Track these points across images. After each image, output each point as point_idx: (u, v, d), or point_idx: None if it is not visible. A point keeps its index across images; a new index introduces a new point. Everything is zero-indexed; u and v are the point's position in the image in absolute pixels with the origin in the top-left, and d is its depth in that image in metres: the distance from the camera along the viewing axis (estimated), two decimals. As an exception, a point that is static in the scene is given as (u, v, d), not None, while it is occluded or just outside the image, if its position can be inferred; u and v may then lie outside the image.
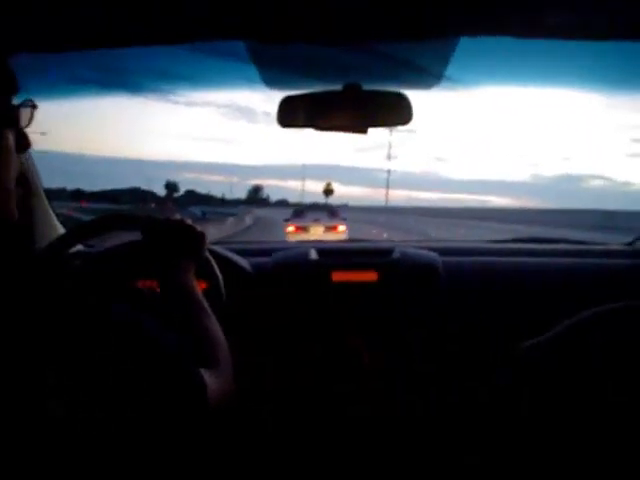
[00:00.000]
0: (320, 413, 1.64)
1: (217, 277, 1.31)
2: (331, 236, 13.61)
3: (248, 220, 33.32)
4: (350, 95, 1.43)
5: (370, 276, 1.67)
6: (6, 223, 1.38)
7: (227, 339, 1.00)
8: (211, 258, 1.33)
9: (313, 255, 1.76)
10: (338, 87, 1.45)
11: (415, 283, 1.67)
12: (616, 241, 2.06)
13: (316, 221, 14.90)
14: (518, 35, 1.32)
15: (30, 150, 1.60)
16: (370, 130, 1.46)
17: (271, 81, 1.51)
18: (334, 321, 1.67)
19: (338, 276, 1.68)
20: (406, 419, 1.63)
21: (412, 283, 1.67)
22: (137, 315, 0.77)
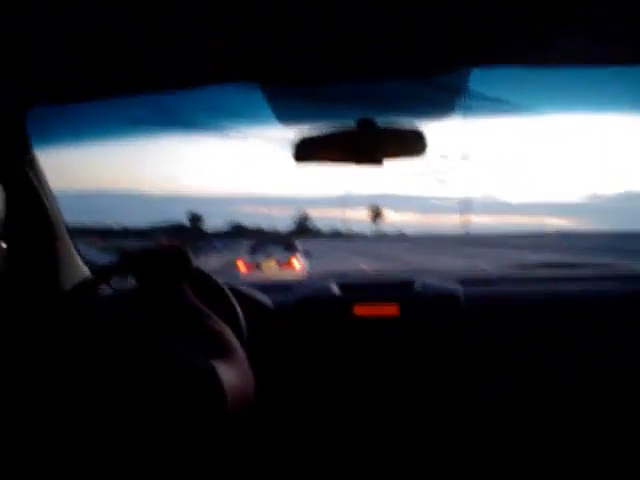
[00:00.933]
0: (340, 447, 1.61)
1: (237, 314, 1.32)
2: (285, 273, 11.66)
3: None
4: (364, 131, 1.44)
5: (392, 310, 1.66)
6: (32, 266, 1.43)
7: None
8: (231, 296, 1.34)
9: (335, 290, 1.76)
10: (352, 122, 1.46)
11: (437, 316, 1.65)
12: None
13: (268, 257, 13.04)
14: (532, 64, 1.33)
15: (53, 192, 1.67)
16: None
17: (285, 118, 1.53)
18: (357, 355, 1.66)
19: (360, 310, 1.67)
20: (428, 449, 1.59)
21: (434, 316, 1.65)
22: (150, 328, 0.86)
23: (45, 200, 1.59)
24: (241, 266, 12.64)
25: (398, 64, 1.32)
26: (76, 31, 1.09)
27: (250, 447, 1.53)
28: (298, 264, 12.64)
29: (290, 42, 1.20)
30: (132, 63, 1.26)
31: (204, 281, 1.34)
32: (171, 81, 1.36)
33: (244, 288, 1.65)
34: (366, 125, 1.45)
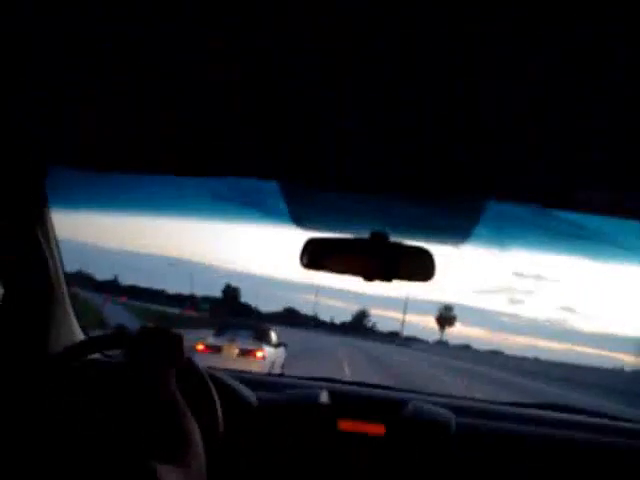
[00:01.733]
0: None
1: (216, 410, 1.28)
2: (245, 363, 10.55)
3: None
4: (376, 244, 1.44)
5: (377, 429, 1.59)
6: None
7: (220, 469, 1.00)
8: (214, 390, 1.31)
9: (324, 398, 1.70)
10: (365, 233, 1.46)
11: (424, 444, 1.58)
12: None
13: (231, 341, 11.66)
14: (549, 206, 1.33)
15: (59, 254, 1.67)
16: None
17: (299, 220, 1.53)
18: (336, 471, 1.58)
19: (345, 425, 1.60)
20: None
21: (421, 444, 1.58)
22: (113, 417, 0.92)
23: (49, 260, 1.59)
24: (199, 346, 11.61)
25: (417, 187, 1.32)
26: (108, 106, 1.12)
27: None
28: (261, 356, 11.50)
29: (317, 147, 1.22)
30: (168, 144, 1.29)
31: (191, 370, 1.31)
32: (193, 167, 1.38)
33: (230, 380, 1.61)
34: (379, 239, 1.45)
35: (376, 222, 1.52)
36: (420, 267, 1.43)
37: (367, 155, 1.22)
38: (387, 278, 1.44)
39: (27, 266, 1.56)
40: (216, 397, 1.29)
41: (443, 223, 1.50)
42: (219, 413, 1.28)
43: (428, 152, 1.17)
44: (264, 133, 1.16)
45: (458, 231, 1.50)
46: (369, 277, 1.44)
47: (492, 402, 2.07)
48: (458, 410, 1.73)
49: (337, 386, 1.92)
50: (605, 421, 1.90)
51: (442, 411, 1.70)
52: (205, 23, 0.76)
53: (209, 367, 1.70)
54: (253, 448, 1.56)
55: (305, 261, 1.45)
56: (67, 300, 1.74)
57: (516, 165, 1.19)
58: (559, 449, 1.63)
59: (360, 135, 1.12)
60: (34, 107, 1.18)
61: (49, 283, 1.62)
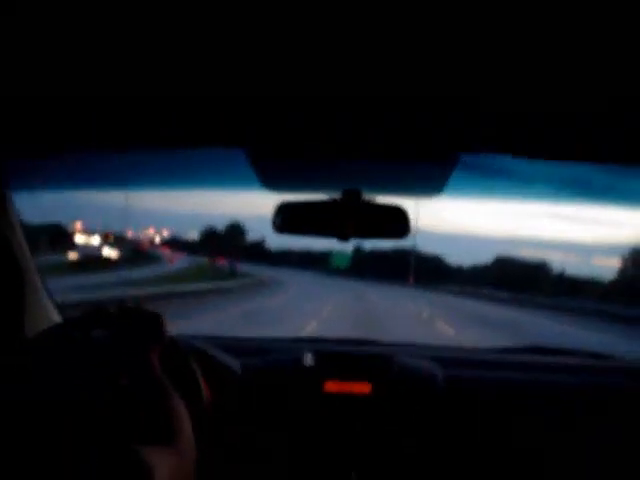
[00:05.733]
0: None
1: (198, 382, 1.27)
2: None
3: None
4: (349, 203, 1.41)
5: (364, 388, 1.59)
6: None
7: (207, 443, 1.00)
8: (194, 363, 1.29)
9: (308, 360, 1.70)
10: (337, 191, 1.43)
11: (411, 400, 1.59)
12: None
13: None
14: (519, 154, 1.30)
15: (24, 237, 1.63)
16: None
17: (269, 184, 1.50)
18: (324, 433, 1.59)
19: (331, 386, 1.60)
20: None
21: (408, 400, 1.59)
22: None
23: (15, 246, 1.55)
24: None
25: (386, 147, 1.29)
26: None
27: None
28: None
29: (283, 111, 1.18)
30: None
31: (172, 348, 1.30)
32: (156, 139, 1.33)
33: (212, 350, 1.60)
34: (352, 197, 1.42)
35: (348, 180, 1.49)
36: (394, 224, 1.41)
37: (335, 118, 1.19)
38: (362, 237, 1.42)
39: None
40: (199, 374, 1.28)
41: (416, 177, 1.47)
42: (203, 390, 1.27)
43: (395, 111, 1.14)
44: (229, 101, 1.12)
45: (431, 184, 1.48)
46: (343, 237, 1.42)
47: (479, 350, 2.09)
48: (445, 361, 1.74)
49: (321, 346, 1.92)
50: (593, 361, 1.92)
51: (428, 365, 1.70)
52: None
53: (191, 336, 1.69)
54: (240, 417, 1.56)
55: (278, 225, 1.42)
56: (40, 284, 1.71)
57: (484, 118, 1.16)
58: (547, 395, 1.64)
59: (326, 99, 1.08)
60: None
61: (17, 270, 1.59)
